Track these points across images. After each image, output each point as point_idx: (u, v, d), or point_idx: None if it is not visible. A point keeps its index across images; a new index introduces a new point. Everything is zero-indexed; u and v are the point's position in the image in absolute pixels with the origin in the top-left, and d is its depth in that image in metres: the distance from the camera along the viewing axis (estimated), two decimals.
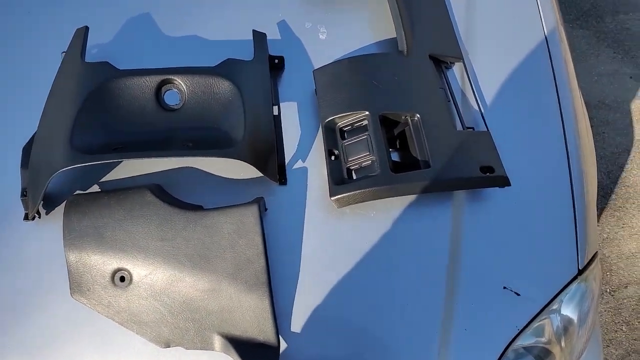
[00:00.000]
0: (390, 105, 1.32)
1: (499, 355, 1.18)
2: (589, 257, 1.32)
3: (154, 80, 1.30)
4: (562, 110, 1.44)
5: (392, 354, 1.16)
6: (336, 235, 1.24)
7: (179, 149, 1.24)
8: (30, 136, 1.28)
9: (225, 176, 1.29)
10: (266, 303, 1.12)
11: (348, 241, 1.24)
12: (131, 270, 1.13)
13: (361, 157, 1.27)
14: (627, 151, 3.01)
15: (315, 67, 1.41)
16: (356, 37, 1.49)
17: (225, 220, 1.14)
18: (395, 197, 1.25)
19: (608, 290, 2.50)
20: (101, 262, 1.13)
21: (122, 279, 1.14)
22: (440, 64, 1.45)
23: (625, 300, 2.47)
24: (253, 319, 1.12)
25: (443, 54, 1.45)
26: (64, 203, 1.19)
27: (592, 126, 1.74)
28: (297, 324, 1.17)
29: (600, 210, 2.75)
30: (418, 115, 1.30)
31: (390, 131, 1.34)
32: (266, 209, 1.24)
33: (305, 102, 1.39)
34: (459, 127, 1.35)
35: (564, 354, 1.27)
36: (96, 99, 1.26)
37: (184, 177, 1.28)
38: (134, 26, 1.51)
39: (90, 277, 1.13)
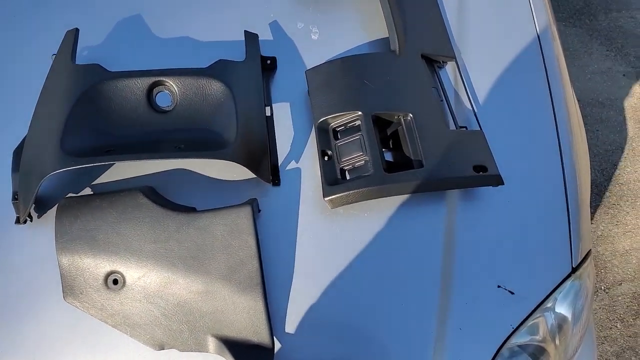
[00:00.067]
0: (383, 105, 1.32)
1: (493, 353, 1.18)
2: (583, 255, 1.32)
3: (145, 82, 1.29)
4: (555, 109, 1.44)
5: (387, 353, 1.16)
6: (330, 236, 1.24)
7: (171, 151, 1.24)
8: (21, 139, 1.27)
9: (218, 178, 1.28)
10: (260, 304, 1.11)
11: (342, 241, 1.23)
12: (124, 273, 1.13)
13: (354, 157, 1.27)
14: (621, 149, 3.02)
15: (308, 68, 1.41)
16: (348, 37, 1.49)
17: (218, 222, 1.14)
18: (388, 197, 1.25)
19: (602, 287, 2.50)
20: (94, 265, 1.13)
21: (115, 281, 1.13)
22: (433, 64, 1.45)
23: (619, 298, 2.47)
24: (247, 320, 1.11)
25: (435, 53, 1.45)
26: (56, 206, 1.18)
27: (585, 124, 1.74)
28: (291, 324, 1.17)
29: (594, 207, 2.76)
30: (411, 115, 1.30)
31: (383, 131, 1.34)
32: (259, 210, 1.24)
33: (298, 102, 1.39)
34: (451, 126, 1.35)
35: (558, 352, 1.27)
36: (87, 102, 1.25)
37: (176, 179, 1.28)
38: (124, 28, 1.50)
39: (83, 280, 1.13)
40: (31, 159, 1.20)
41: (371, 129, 1.28)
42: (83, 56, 1.43)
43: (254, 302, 1.11)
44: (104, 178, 1.28)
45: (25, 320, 1.18)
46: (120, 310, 1.12)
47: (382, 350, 1.16)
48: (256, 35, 1.43)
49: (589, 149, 1.68)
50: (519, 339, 1.22)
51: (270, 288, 1.16)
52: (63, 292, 1.13)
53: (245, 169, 1.20)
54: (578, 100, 1.68)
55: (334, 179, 1.26)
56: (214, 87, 1.29)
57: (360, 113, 1.29)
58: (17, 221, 1.22)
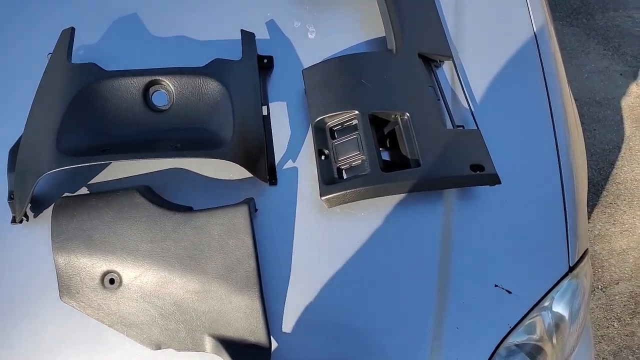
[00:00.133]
0: (380, 104, 1.32)
1: (491, 352, 1.18)
2: (580, 254, 1.32)
3: (142, 81, 1.29)
4: (552, 108, 1.44)
5: (384, 352, 1.16)
6: (327, 235, 1.24)
7: (167, 150, 1.23)
8: (17, 139, 1.26)
9: (214, 177, 1.28)
10: (257, 304, 1.11)
11: (339, 241, 1.23)
12: (121, 273, 1.12)
13: (351, 157, 1.27)
14: (618, 148, 3.03)
15: (305, 67, 1.41)
16: (345, 36, 1.48)
17: (215, 222, 1.14)
18: (385, 197, 1.25)
19: (599, 286, 2.51)
20: (90, 265, 1.12)
21: (112, 281, 1.13)
22: (430, 63, 1.45)
23: (616, 297, 2.48)
24: (244, 319, 1.11)
25: (432, 53, 1.45)
26: (52, 206, 1.18)
27: (582, 123, 1.74)
28: (288, 324, 1.17)
29: (591, 207, 2.77)
30: (408, 114, 1.30)
31: (380, 130, 1.34)
32: (256, 210, 1.24)
33: (295, 101, 1.39)
34: (448, 125, 1.35)
35: (555, 351, 1.27)
36: (83, 101, 1.25)
37: (173, 179, 1.28)
38: (120, 27, 1.50)
39: (80, 279, 1.12)
40: (27, 159, 1.20)
41: (368, 128, 1.27)
42: (79, 55, 1.43)
43: (251, 302, 1.11)
44: (100, 177, 1.28)
45: (21, 319, 1.17)
46: (116, 310, 1.12)
47: (379, 350, 1.16)
48: (253, 34, 1.43)
49: (586, 148, 1.68)
50: (516, 338, 1.22)
51: (267, 287, 1.15)
52: (59, 292, 1.13)
53: (242, 168, 1.20)
54: (575, 100, 1.68)
55: (330, 178, 1.26)
56: (211, 86, 1.29)
57: (357, 112, 1.29)
58: (13, 221, 1.22)
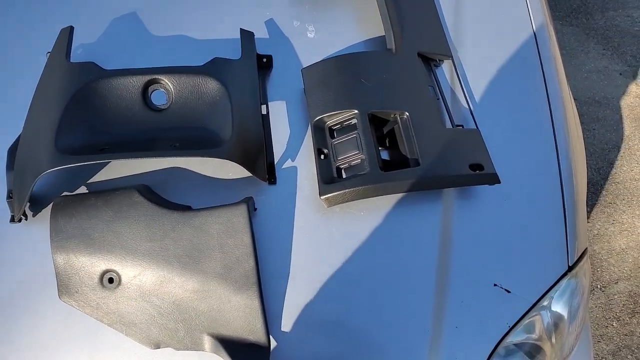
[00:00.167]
0: (379, 103, 1.32)
1: (489, 352, 1.18)
2: (579, 254, 1.32)
3: (141, 80, 1.29)
4: (552, 107, 1.44)
5: (383, 351, 1.16)
6: (326, 235, 1.24)
7: (166, 149, 1.23)
8: (16, 138, 1.26)
9: (213, 176, 1.28)
10: (256, 303, 1.11)
11: (338, 240, 1.23)
12: (119, 272, 1.12)
13: (351, 156, 1.27)
14: (617, 147, 3.03)
15: (304, 66, 1.41)
16: (345, 35, 1.48)
17: (214, 221, 1.14)
18: (385, 196, 1.25)
19: (598, 286, 2.51)
20: (89, 264, 1.12)
21: (111, 280, 1.13)
22: (429, 62, 1.45)
23: (615, 296, 2.48)
24: (243, 319, 1.11)
25: (432, 52, 1.45)
26: (51, 205, 1.18)
27: (581, 123, 1.74)
28: (287, 323, 1.16)
29: (590, 206, 2.77)
30: (407, 114, 1.30)
31: (380, 129, 1.34)
32: (255, 209, 1.24)
33: (294, 101, 1.39)
34: (448, 124, 1.35)
35: (554, 350, 1.27)
36: (82, 100, 1.25)
37: (172, 178, 1.27)
38: (120, 26, 1.50)
39: (79, 278, 1.12)
40: (26, 157, 1.20)
41: (367, 128, 1.27)
42: (78, 54, 1.43)
43: (250, 301, 1.11)
44: (99, 176, 1.28)
45: (20, 319, 1.17)
46: (115, 309, 1.12)
47: (378, 349, 1.16)
48: (252, 34, 1.43)
49: (586, 147, 1.68)
50: (515, 338, 1.22)
51: (266, 287, 1.15)
52: (58, 291, 1.13)
53: (241, 167, 1.19)
54: (574, 99, 1.68)
55: (330, 178, 1.25)
56: (210, 86, 1.29)
57: (356, 111, 1.29)
58: (12, 220, 1.22)
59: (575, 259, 1.30)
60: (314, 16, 1.52)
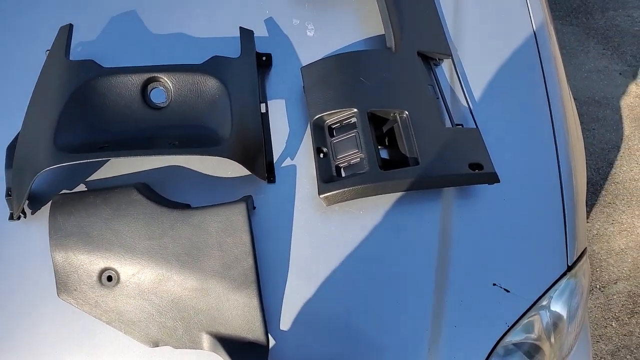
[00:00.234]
0: (379, 102, 1.32)
1: (488, 351, 1.18)
2: (578, 253, 1.32)
3: (140, 78, 1.28)
4: (551, 107, 1.44)
5: (382, 351, 1.16)
6: (325, 233, 1.23)
7: (165, 147, 1.23)
8: (15, 135, 1.26)
9: (212, 174, 1.28)
10: (255, 301, 1.11)
11: (337, 239, 1.23)
12: (118, 270, 1.12)
13: (350, 155, 1.26)
14: (617, 147, 3.03)
15: (303, 64, 1.40)
16: (344, 34, 1.48)
17: (213, 219, 1.14)
18: (384, 195, 1.24)
19: (597, 286, 2.51)
20: (88, 262, 1.12)
21: (110, 278, 1.13)
22: (429, 61, 1.44)
23: (614, 296, 2.48)
24: (242, 317, 1.11)
25: (431, 51, 1.44)
26: (50, 202, 1.18)
27: (581, 122, 1.74)
28: (286, 322, 1.16)
29: (590, 206, 2.77)
30: (407, 112, 1.29)
31: (379, 128, 1.34)
32: (254, 207, 1.23)
33: (294, 99, 1.38)
34: (447, 124, 1.35)
35: (553, 350, 1.27)
36: (81, 98, 1.25)
37: (171, 176, 1.27)
38: (119, 24, 1.50)
39: (77, 276, 1.12)
40: (24, 155, 1.20)
41: (367, 126, 1.27)
42: (77, 52, 1.43)
43: (249, 300, 1.11)
44: (98, 174, 1.27)
45: (19, 316, 1.17)
46: (114, 307, 1.12)
47: (377, 348, 1.15)
48: (251, 32, 1.43)
49: (585, 147, 1.68)
50: (514, 337, 1.22)
51: (265, 285, 1.15)
52: (57, 289, 1.13)
53: (240, 166, 1.19)
54: (574, 99, 1.68)
55: (329, 176, 1.25)
56: (209, 84, 1.29)
57: (355, 110, 1.29)
58: (11, 217, 1.22)
59: (575, 258, 1.30)
60: (314, 15, 1.52)
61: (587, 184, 1.64)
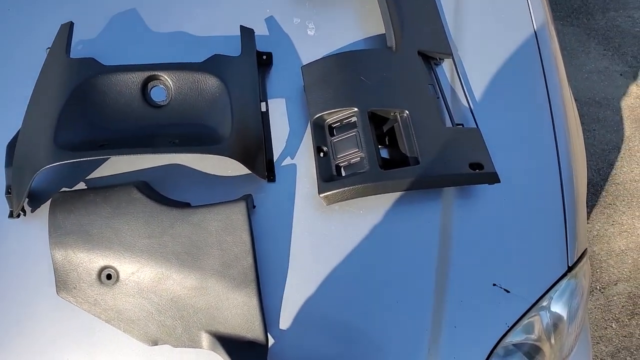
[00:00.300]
0: (379, 101, 1.31)
1: (488, 352, 1.18)
2: (579, 254, 1.32)
3: (140, 76, 1.28)
4: (552, 107, 1.44)
5: (382, 351, 1.16)
6: (325, 233, 1.23)
7: (165, 146, 1.23)
8: (15, 133, 1.26)
9: (212, 173, 1.28)
10: (254, 300, 1.11)
11: (337, 238, 1.23)
12: (118, 268, 1.12)
13: (350, 154, 1.26)
14: (617, 148, 3.02)
15: (304, 63, 1.40)
16: (345, 33, 1.48)
17: (212, 218, 1.13)
18: (384, 194, 1.24)
19: (598, 287, 2.51)
20: (87, 260, 1.12)
21: (109, 276, 1.12)
22: (430, 60, 1.44)
23: (614, 297, 2.48)
24: (241, 316, 1.11)
25: (432, 50, 1.44)
26: (50, 200, 1.17)
27: (582, 123, 1.74)
28: (285, 321, 1.16)
29: (590, 207, 2.76)
30: (407, 112, 1.29)
31: (379, 128, 1.34)
32: (254, 206, 1.23)
33: (294, 98, 1.38)
34: (448, 123, 1.35)
35: (553, 351, 1.27)
36: (81, 96, 1.25)
37: (171, 174, 1.27)
38: (120, 22, 1.49)
39: (77, 274, 1.12)
40: (24, 153, 1.20)
41: (367, 126, 1.27)
42: (78, 50, 1.43)
43: (248, 299, 1.11)
44: (98, 172, 1.27)
45: (18, 314, 1.17)
46: (113, 306, 1.12)
47: (376, 348, 1.15)
48: (252, 31, 1.43)
49: (586, 148, 1.68)
50: (514, 338, 1.22)
51: (265, 284, 1.15)
52: (56, 287, 1.13)
53: (240, 164, 1.19)
54: (575, 100, 1.68)
55: (329, 176, 1.25)
56: (209, 82, 1.28)
57: (356, 109, 1.29)
58: (11, 215, 1.21)
59: (575, 259, 1.30)
60: (314, 14, 1.51)
61: (587, 184, 1.64)
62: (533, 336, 1.24)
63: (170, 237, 1.12)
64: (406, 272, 1.21)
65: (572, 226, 1.31)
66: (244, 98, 1.27)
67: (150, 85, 1.30)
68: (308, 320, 1.17)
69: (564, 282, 1.27)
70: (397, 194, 1.26)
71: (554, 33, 1.61)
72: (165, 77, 1.29)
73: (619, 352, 2.32)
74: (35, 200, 1.24)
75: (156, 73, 1.29)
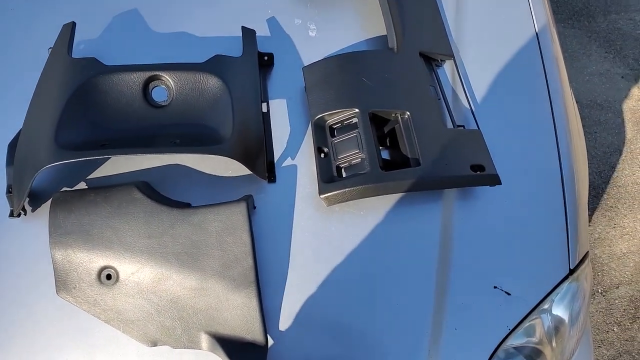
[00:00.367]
0: (380, 102, 1.31)
1: (489, 355, 1.18)
2: (580, 257, 1.31)
3: (142, 76, 1.28)
4: (554, 110, 1.43)
5: (382, 353, 1.15)
6: (325, 234, 1.23)
7: (166, 146, 1.23)
8: (16, 132, 1.26)
9: (213, 174, 1.27)
10: (254, 302, 1.11)
11: (337, 239, 1.23)
12: (118, 268, 1.12)
13: (351, 155, 1.26)
14: (619, 151, 3.02)
15: (305, 64, 1.40)
16: (346, 34, 1.48)
17: (213, 218, 1.13)
18: (385, 196, 1.24)
19: (599, 290, 2.50)
20: (87, 260, 1.12)
21: (109, 276, 1.12)
22: (431, 62, 1.44)
23: (616, 301, 2.47)
24: (241, 317, 1.11)
25: (433, 52, 1.44)
26: (50, 200, 1.17)
27: (583, 126, 1.74)
28: (285, 322, 1.16)
29: (592, 210, 2.76)
30: (408, 113, 1.29)
31: (381, 129, 1.33)
32: (255, 207, 1.23)
33: (295, 99, 1.38)
34: (449, 125, 1.34)
35: (555, 354, 1.27)
36: (83, 95, 1.25)
37: (171, 174, 1.27)
38: (121, 22, 1.50)
39: (76, 274, 1.12)
40: (25, 153, 1.20)
41: (368, 127, 1.27)
42: (79, 50, 1.43)
43: (248, 300, 1.10)
44: (98, 172, 1.27)
45: (17, 314, 1.17)
46: (113, 306, 1.12)
47: (376, 350, 1.15)
48: (253, 31, 1.43)
49: (587, 150, 1.67)
50: (515, 341, 1.21)
51: (265, 285, 1.15)
52: (56, 287, 1.12)
53: (241, 165, 1.19)
54: (576, 102, 1.68)
55: (330, 177, 1.25)
56: (211, 83, 1.28)
57: (357, 110, 1.29)
58: (11, 214, 1.21)
59: (577, 262, 1.29)
60: (316, 15, 1.51)
61: (589, 187, 1.64)
62: (534, 339, 1.24)
63: (170, 237, 1.12)
64: (407, 273, 1.21)
65: (574, 229, 1.31)
66: (245, 98, 1.27)
67: (151, 85, 1.30)
68: (308, 321, 1.16)
69: (565, 285, 1.26)
70: (398, 195, 1.26)
71: (555, 35, 1.61)
72: (167, 77, 1.29)
73: (621, 355, 2.31)
74: (36, 200, 1.24)
75: (157, 73, 1.29)
